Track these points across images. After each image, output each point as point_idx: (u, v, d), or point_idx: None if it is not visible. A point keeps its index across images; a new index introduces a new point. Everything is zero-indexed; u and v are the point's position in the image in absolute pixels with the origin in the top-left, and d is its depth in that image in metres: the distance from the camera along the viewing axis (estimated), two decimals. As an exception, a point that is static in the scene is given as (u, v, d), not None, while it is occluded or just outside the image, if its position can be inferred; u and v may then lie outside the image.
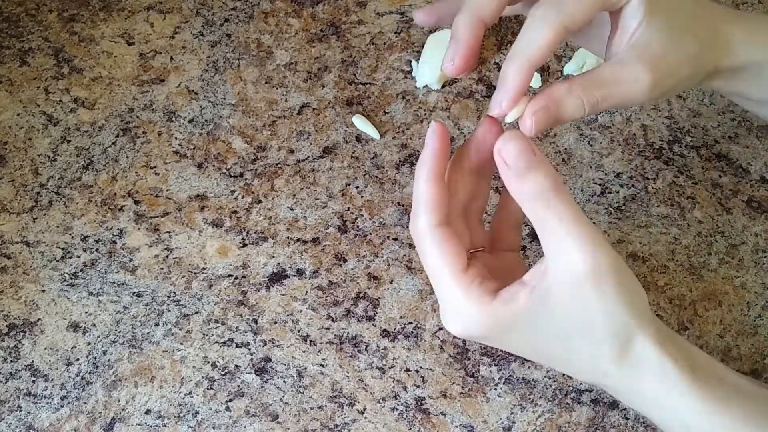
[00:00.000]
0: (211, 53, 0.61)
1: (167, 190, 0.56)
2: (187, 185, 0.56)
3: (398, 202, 0.55)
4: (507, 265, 0.41)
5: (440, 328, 0.51)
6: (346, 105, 0.59)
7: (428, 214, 0.36)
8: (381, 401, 0.49)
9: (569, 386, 0.50)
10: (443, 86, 0.60)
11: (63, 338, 0.51)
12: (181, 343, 0.51)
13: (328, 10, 0.63)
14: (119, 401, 0.49)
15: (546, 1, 0.35)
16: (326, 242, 0.54)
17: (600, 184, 0.56)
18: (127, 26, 0.62)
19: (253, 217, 0.55)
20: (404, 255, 0.54)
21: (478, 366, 0.50)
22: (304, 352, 0.51)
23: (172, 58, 0.61)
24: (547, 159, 0.35)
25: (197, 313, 0.52)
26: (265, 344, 0.51)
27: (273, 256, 0.54)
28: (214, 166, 0.57)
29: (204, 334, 0.51)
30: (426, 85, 0.60)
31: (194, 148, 0.58)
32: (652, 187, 0.56)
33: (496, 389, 0.50)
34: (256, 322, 0.52)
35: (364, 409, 0.49)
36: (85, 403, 0.49)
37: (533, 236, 0.54)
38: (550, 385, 0.50)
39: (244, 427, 0.49)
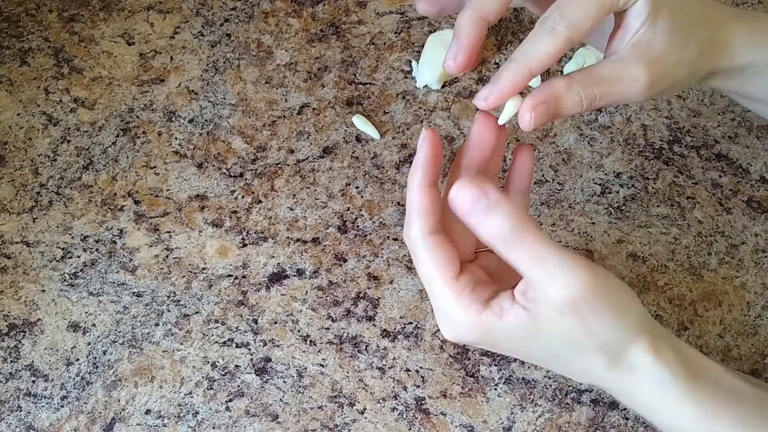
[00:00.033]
0: (211, 53, 0.61)
1: (167, 190, 0.56)
2: (187, 185, 0.56)
3: (398, 202, 0.55)
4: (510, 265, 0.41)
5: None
6: (346, 105, 0.59)
7: (420, 222, 0.37)
8: (381, 401, 0.49)
9: (569, 386, 0.50)
10: (443, 86, 0.60)
11: (63, 338, 0.51)
12: (181, 343, 0.51)
13: (328, 10, 0.63)
14: (119, 401, 0.49)
15: (554, 12, 0.36)
16: (326, 242, 0.54)
17: (600, 184, 0.56)
18: (127, 26, 0.62)
19: (253, 217, 0.55)
20: (404, 255, 0.54)
21: (478, 366, 0.50)
22: (304, 352, 0.51)
23: (172, 58, 0.61)
24: (504, 198, 0.34)
25: (197, 313, 0.52)
26: (265, 344, 0.51)
27: (273, 256, 0.54)
28: (214, 166, 0.57)
29: (204, 334, 0.51)
30: (426, 85, 0.60)
31: (194, 148, 0.58)
32: (652, 187, 0.56)
33: (496, 389, 0.50)
34: (256, 322, 0.52)
35: (364, 409, 0.49)
36: (85, 403, 0.49)
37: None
38: (550, 385, 0.50)
39: (244, 427, 0.49)
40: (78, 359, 0.51)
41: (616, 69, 0.37)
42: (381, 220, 0.55)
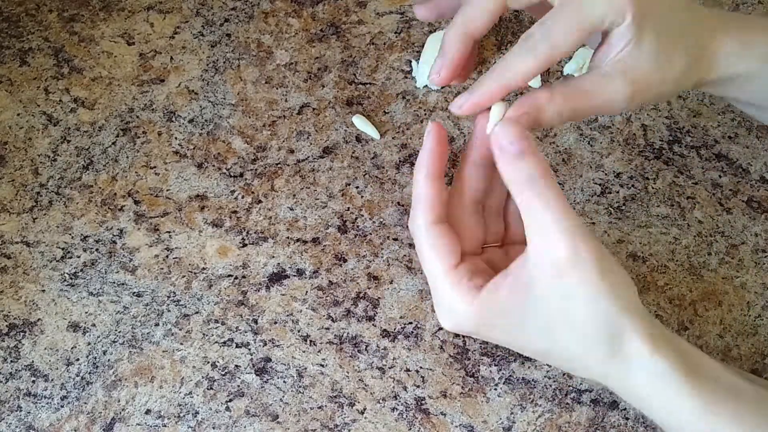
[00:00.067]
0: (211, 53, 0.61)
1: (167, 190, 0.56)
2: (187, 185, 0.56)
3: (398, 202, 0.55)
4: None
5: (440, 328, 0.51)
6: (346, 105, 0.59)
7: (424, 213, 0.37)
8: (381, 401, 0.49)
9: (569, 386, 0.50)
10: (443, 86, 0.60)
11: (63, 338, 0.51)
12: (181, 343, 0.51)
13: (328, 10, 0.63)
14: (119, 401, 0.49)
15: (537, 31, 0.37)
16: (326, 242, 0.54)
17: (600, 184, 0.56)
18: (127, 26, 0.62)
19: (253, 217, 0.55)
20: (404, 255, 0.54)
21: (478, 366, 0.50)
22: (304, 352, 0.51)
23: (172, 58, 0.61)
24: (539, 149, 0.36)
25: (197, 313, 0.52)
26: (265, 344, 0.51)
27: (273, 256, 0.54)
28: (214, 166, 0.57)
29: (204, 334, 0.51)
30: (426, 85, 0.60)
31: (194, 148, 0.58)
32: (652, 187, 0.56)
33: (496, 389, 0.50)
34: (256, 322, 0.52)
35: (364, 409, 0.49)
36: (85, 403, 0.49)
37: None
38: (550, 385, 0.50)
39: (244, 427, 0.49)
40: (78, 359, 0.51)
41: (599, 83, 0.37)
42: (381, 220, 0.55)
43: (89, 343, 0.51)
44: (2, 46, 0.61)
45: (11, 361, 0.50)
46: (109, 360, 0.51)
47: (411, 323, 0.52)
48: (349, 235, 0.54)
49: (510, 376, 0.50)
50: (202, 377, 0.50)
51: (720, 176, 0.56)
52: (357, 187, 0.56)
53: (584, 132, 0.58)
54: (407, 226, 0.54)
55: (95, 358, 0.51)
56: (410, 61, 0.61)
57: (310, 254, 0.54)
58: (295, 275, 0.53)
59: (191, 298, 0.52)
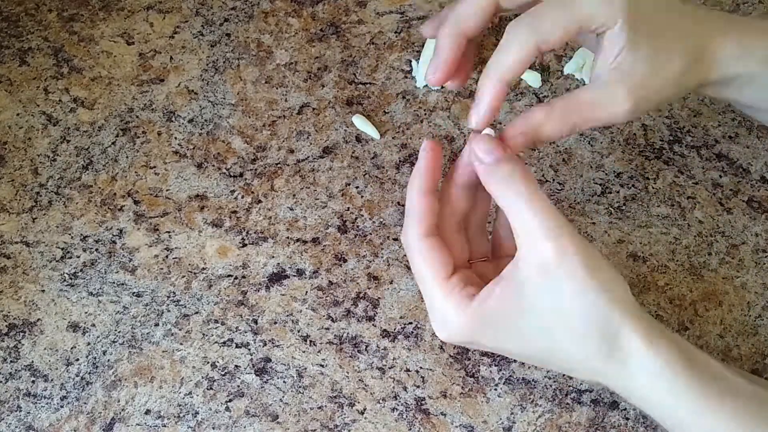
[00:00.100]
0: (210, 53, 0.61)
1: (167, 190, 0.56)
2: (187, 185, 0.56)
3: (398, 202, 0.55)
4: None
5: (440, 328, 0.51)
6: (346, 105, 0.59)
7: (416, 225, 0.38)
8: (381, 401, 0.49)
9: (569, 386, 0.50)
10: (443, 86, 0.60)
11: (63, 338, 0.51)
12: (181, 344, 0.51)
13: (328, 9, 0.63)
14: (119, 401, 0.49)
15: (522, 20, 0.37)
16: (326, 242, 0.54)
17: (600, 184, 0.56)
18: (126, 26, 0.62)
19: (253, 217, 0.55)
20: (404, 255, 0.53)
21: (478, 366, 0.50)
22: (304, 352, 0.51)
23: (171, 57, 0.61)
24: (517, 156, 0.37)
25: (197, 313, 0.52)
26: (265, 344, 0.51)
27: (273, 256, 0.54)
28: (213, 166, 0.57)
29: (204, 334, 0.51)
30: (426, 85, 0.60)
31: (194, 148, 0.57)
32: (653, 187, 0.56)
33: (496, 389, 0.50)
34: (256, 322, 0.52)
35: (364, 410, 0.49)
36: (85, 403, 0.49)
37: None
38: (550, 386, 0.50)
39: (244, 427, 0.49)
40: (78, 359, 0.51)
41: (598, 95, 0.37)
42: (381, 220, 0.55)
43: (89, 343, 0.51)
44: (2, 45, 0.61)
45: (11, 361, 0.50)
46: (108, 360, 0.51)
47: (411, 323, 0.52)
48: (349, 235, 0.54)
49: (510, 376, 0.50)
50: (202, 377, 0.50)
51: (720, 176, 0.56)
52: (357, 187, 0.56)
53: (584, 132, 0.58)
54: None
55: (95, 358, 0.51)
56: (410, 61, 0.61)
57: (310, 254, 0.54)
58: (295, 275, 0.53)
59: (191, 298, 0.52)
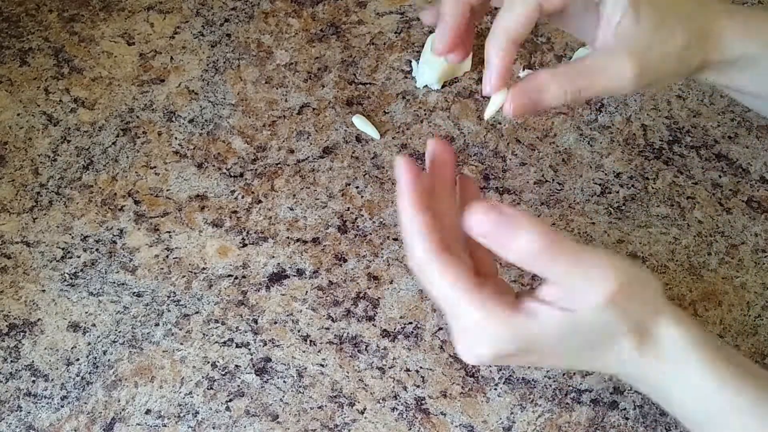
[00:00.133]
0: (211, 53, 0.61)
1: (167, 190, 0.56)
2: (187, 185, 0.56)
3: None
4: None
5: (440, 328, 0.51)
6: (346, 105, 0.59)
7: (426, 242, 0.35)
8: (381, 401, 0.49)
9: (569, 386, 0.50)
10: (443, 86, 0.60)
11: (63, 338, 0.51)
12: (181, 343, 0.51)
13: (328, 10, 0.63)
14: (119, 401, 0.49)
15: None
16: (326, 242, 0.54)
17: (600, 184, 0.56)
18: (127, 26, 0.62)
19: (253, 217, 0.55)
20: (404, 255, 0.54)
21: (478, 366, 0.50)
22: (304, 352, 0.51)
23: (172, 58, 0.61)
24: (522, 213, 0.34)
25: (197, 313, 0.52)
26: (265, 344, 0.51)
27: (273, 256, 0.54)
28: (214, 166, 0.57)
29: (204, 334, 0.51)
30: (426, 85, 0.60)
31: (194, 148, 0.58)
32: (652, 187, 0.56)
33: (496, 389, 0.50)
34: (256, 322, 0.52)
35: (364, 409, 0.49)
36: (85, 403, 0.49)
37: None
38: (550, 385, 0.50)
39: (244, 427, 0.49)
40: (78, 359, 0.51)
41: (601, 61, 0.37)
42: (381, 220, 0.55)
43: (89, 343, 0.51)
44: (2, 46, 0.61)
45: (11, 361, 0.50)
46: (109, 360, 0.51)
47: (411, 323, 0.52)
48: (349, 235, 0.54)
49: (510, 376, 0.50)
50: (202, 377, 0.50)
51: (720, 176, 0.56)
52: (357, 187, 0.56)
53: (584, 132, 0.58)
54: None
55: (95, 358, 0.51)
56: (410, 61, 0.61)
57: (310, 254, 0.54)
58: (295, 275, 0.53)
59: (191, 298, 0.52)
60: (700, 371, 0.35)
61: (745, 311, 0.52)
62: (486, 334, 0.35)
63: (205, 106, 0.59)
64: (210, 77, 0.60)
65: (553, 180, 0.56)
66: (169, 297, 0.52)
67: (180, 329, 0.51)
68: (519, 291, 0.37)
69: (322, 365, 0.50)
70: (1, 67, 0.60)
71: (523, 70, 0.61)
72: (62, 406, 0.49)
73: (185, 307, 0.52)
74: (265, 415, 0.49)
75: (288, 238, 0.54)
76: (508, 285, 0.39)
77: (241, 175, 0.56)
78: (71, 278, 0.53)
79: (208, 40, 0.62)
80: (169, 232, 0.55)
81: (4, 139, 0.58)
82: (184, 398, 0.49)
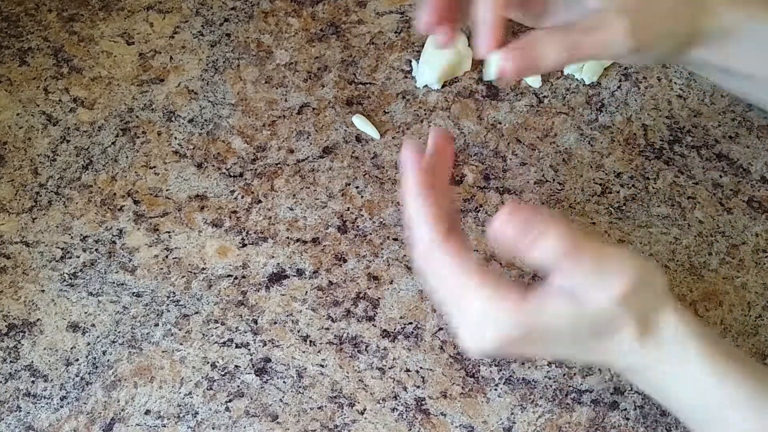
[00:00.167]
0: (210, 53, 0.61)
1: (167, 190, 0.56)
2: (187, 185, 0.56)
3: (398, 202, 0.55)
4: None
5: (440, 329, 0.51)
6: (346, 105, 0.59)
7: (434, 226, 0.35)
8: (381, 401, 0.49)
9: (569, 386, 0.50)
10: (443, 86, 0.60)
11: (62, 338, 0.51)
12: (181, 344, 0.51)
13: (328, 9, 0.63)
14: (119, 401, 0.49)
15: None
16: (326, 242, 0.54)
17: (600, 184, 0.56)
18: (126, 26, 0.62)
19: (253, 217, 0.55)
20: (404, 255, 0.53)
21: (478, 366, 0.50)
22: (304, 352, 0.51)
23: (171, 57, 0.61)
24: (549, 216, 0.34)
25: (197, 313, 0.52)
26: (265, 344, 0.51)
27: (273, 256, 0.54)
28: (213, 166, 0.57)
29: (204, 335, 0.51)
30: (426, 85, 0.60)
31: (194, 148, 0.57)
32: (653, 187, 0.56)
33: (496, 389, 0.50)
34: (255, 322, 0.52)
35: (364, 410, 0.49)
36: (85, 403, 0.49)
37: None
38: (550, 386, 0.50)
39: (244, 427, 0.49)
40: (77, 359, 0.51)
41: (595, 18, 0.38)
42: (381, 220, 0.55)
43: (89, 344, 0.51)
44: (2, 45, 0.61)
45: (11, 362, 0.50)
46: (108, 360, 0.51)
47: (411, 323, 0.52)
48: (349, 235, 0.54)
49: (510, 376, 0.50)
50: (202, 377, 0.50)
51: (721, 176, 0.56)
52: (357, 187, 0.56)
53: (584, 132, 0.58)
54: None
55: (95, 358, 0.51)
56: (410, 61, 0.61)
57: (310, 254, 0.54)
58: (295, 275, 0.53)
59: (191, 299, 0.52)
60: (699, 364, 0.36)
61: (745, 311, 0.52)
62: (492, 318, 0.34)
63: (205, 105, 0.59)
64: (210, 77, 0.60)
65: (554, 180, 0.56)
66: (168, 297, 0.52)
67: (179, 329, 0.51)
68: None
69: (322, 365, 0.50)
70: (1, 66, 0.60)
71: None
72: (61, 407, 0.49)
73: (185, 307, 0.52)
74: (265, 415, 0.49)
75: (288, 238, 0.54)
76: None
77: (241, 175, 0.56)
78: (70, 278, 0.53)
79: (207, 39, 0.62)
80: (169, 232, 0.54)
81: (3, 138, 0.58)
82: (183, 398, 0.49)
